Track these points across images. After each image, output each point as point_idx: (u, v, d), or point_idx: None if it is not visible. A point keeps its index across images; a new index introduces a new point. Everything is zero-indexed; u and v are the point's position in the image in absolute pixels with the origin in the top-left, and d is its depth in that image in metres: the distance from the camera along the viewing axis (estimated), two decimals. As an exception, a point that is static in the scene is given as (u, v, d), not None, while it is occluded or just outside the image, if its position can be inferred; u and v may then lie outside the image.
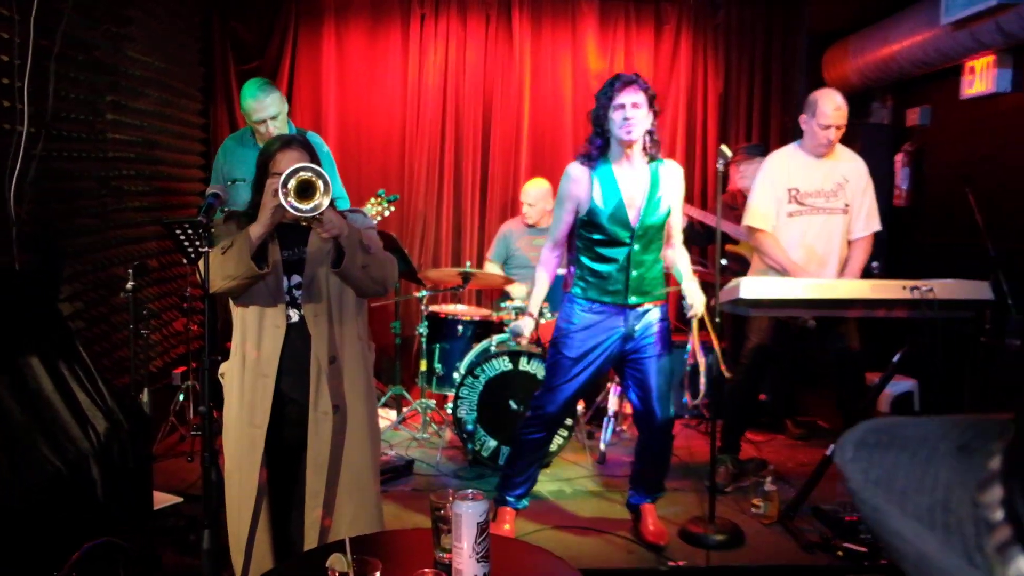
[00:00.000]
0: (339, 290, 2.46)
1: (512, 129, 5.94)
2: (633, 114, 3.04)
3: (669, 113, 6.07)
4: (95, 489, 2.35)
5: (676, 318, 6.00)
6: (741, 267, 4.86)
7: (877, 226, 3.92)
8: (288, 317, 2.43)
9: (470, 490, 1.70)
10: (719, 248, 3.60)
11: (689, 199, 5.86)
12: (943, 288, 3.27)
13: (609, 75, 5.85)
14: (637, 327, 3.24)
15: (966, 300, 3.32)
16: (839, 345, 3.94)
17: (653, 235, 3.20)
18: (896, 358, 3.56)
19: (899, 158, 6.05)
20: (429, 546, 1.84)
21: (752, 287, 3.35)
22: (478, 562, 1.65)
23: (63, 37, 3.47)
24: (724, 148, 3.41)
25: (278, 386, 2.42)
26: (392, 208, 4.17)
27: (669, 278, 3.44)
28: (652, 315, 3.27)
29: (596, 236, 3.15)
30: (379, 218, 4.38)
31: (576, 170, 3.19)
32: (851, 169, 3.90)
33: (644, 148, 3.17)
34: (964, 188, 4.83)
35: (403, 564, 1.61)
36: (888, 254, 5.54)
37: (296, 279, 2.45)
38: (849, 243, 3.91)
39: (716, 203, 3.45)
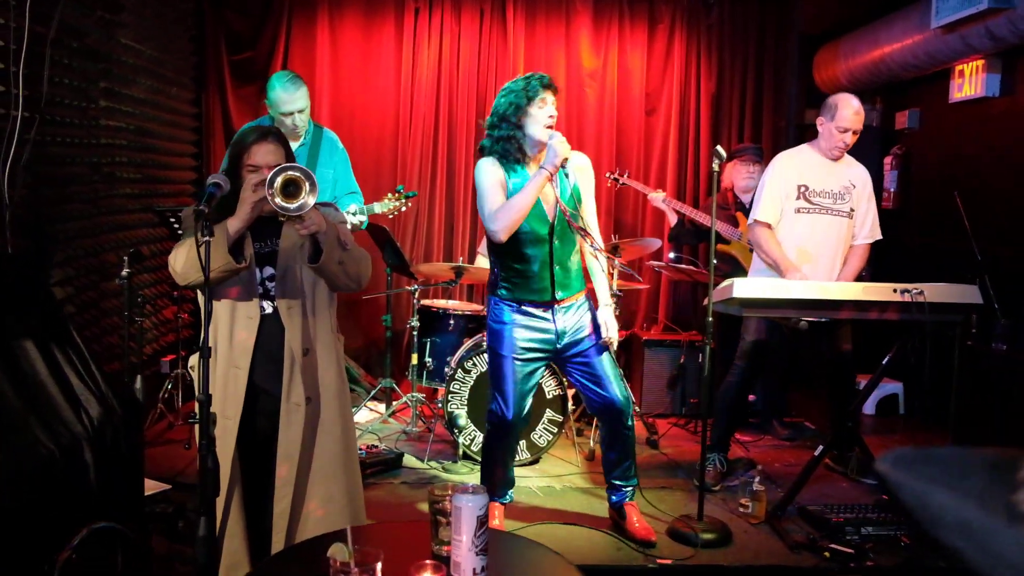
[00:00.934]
0: (312, 282, 2.48)
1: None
2: (554, 116, 3.09)
3: (662, 111, 6.10)
4: (88, 474, 2.33)
5: (666, 317, 6.04)
6: (731, 267, 4.89)
7: (878, 235, 3.98)
8: (261, 309, 2.44)
9: (470, 483, 1.71)
10: (712, 248, 3.62)
11: (680, 197, 5.91)
12: (933, 291, 3.31)
13: (602, 73, 5.95)
14: (569, 324, 3.25)
15: (956, 304, 3.36)
16: (832, 347, 3.98)
17: (570, 230, 3.19)
18: (885, 360, 3.60)
19: (888, 161, 6.10)
20: (426, 538, 1.85)
21: (745, 287, 3.37)
22: (477, 555, 1.66)
23: (58, 23, 3.44)
24: (719, 148, 3.43)
25: (251, 378, 2.43)
26: (408, 204, 4.18)
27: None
28: (579, 309, 3.28)
29: (517, 234, 3.10)
30: (395, 213, 4.40)
31: (492, 164, 3.14)
32: (858, 175, 3.96)
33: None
34: (952, 191, 4.88)
35: (400, 556, 1.61)
36: (875, 256, 5.60)
37: (269, 271, 2.46)
38: (850, 249, 3.96)
39: (712, 203, 3.46)
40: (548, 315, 3.21)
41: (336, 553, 1.49)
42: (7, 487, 1.95)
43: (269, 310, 2.46)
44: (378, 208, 4.34)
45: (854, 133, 3.85)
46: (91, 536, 1.53)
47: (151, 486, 3.52)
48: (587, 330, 3.28)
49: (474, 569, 1.66)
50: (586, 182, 3.25)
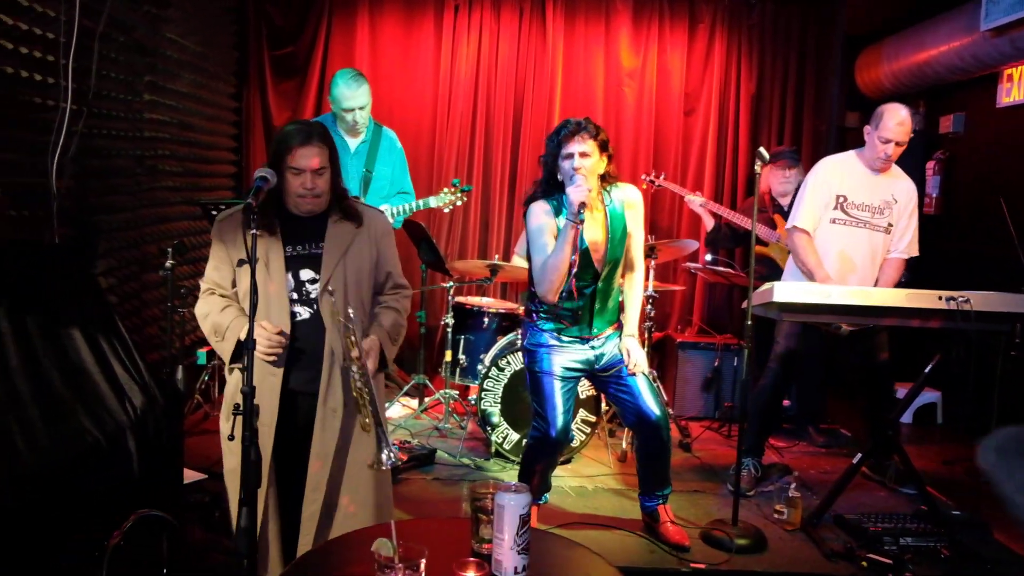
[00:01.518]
0: (356, 285, 2.48)
1: (542, 124, 5.92)
2: (582, 163, 2.98)
3: (701, 112, 6.04)
4: (131, 462, 2.38)
5: (701, 320, 6.00)
6: (768, 270, 4.84)
7: (915, 252, 3.90)
8: (295, 315, 2.43)
9: (513, 482, 1.70)
10: (752, 251, 3.58)
11: (718, 199, 5.86)
12: (980, 300, 3.24)
13: (641, 73, 5.92)
14: (607, 350, 3.25)
15: (1003, 313, 3.28)
16: (870, 355, 3.91)
17: (616, 267, 3.20)
18: (928, 369, 3.53)
19: (930, 165, 6.00)
20: (466, 536, 1.84)
21: (786, 291, 3.33)
22: (518, 554, 1.66)
23: (106, 17, 3.49)
24: (762, 150, 3.39)
25: (286, 382, 2.44)
26: (465, 198, 4.20)
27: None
28: (615, 334, 3.29)
29: None
30: (451, 207, 4.43)
31: (540, 207, 3.11)
32: (902, 189, 3.88)
33: (599, 192, 3.12)
34: (997, 198, 4.79)
35: (440, 553, 1.61)
36: (914, 262, 5.51)
37: (308, 274, 2.45)
38: (884, 260, 3.89)
39: (750, 204, 3.43)
40: (586, 344, 3.22)
41: (380, 548, 1.50)
42: (56, 473, 1.98)
43: (306, 315, 2.44)
44: (433, 202, 4.38)
45: (898, 144, 3.74)
46: (139, 523, 1.54)
47: (188, 475, 3.56)
48: (620, 351, 3.28)
49: (515, 568, 1.65)
50: (634, 216, 3.21)
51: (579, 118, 3.06)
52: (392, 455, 2.18)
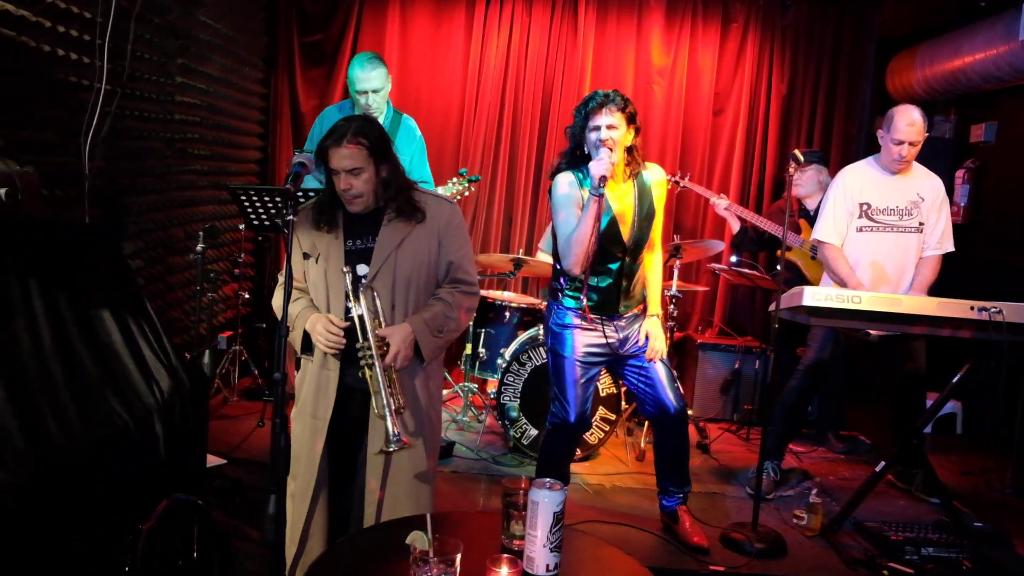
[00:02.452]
0: (407, 281, 2.42)
1: (570, 121, 5.86)
2: (609, 135, 2.97)
3: (730, 112, 5.99)
4: (158, 446, 2.38)
5: (722, 321, 5.96)
6: (793, 274, 4.79)
7: (950, 247, 3.85)
8: (349, 311, 2.41)
9: (548, 479, 1.69)
10: (783, 254, 3.55)
11: (744, 202, 5.81)
12: (1013, 311, 3.19)
13: (672, 71, 5.87)
14: (630, 333, 3.22)
15: (1037, 324, 3.24)
16: (903, 363, 3.87)
17: (642, 246, 3.18)
18: (956, 379, 3.49)
19: (960, 174, 5.93)
20: (495, 530, 1.83)
21: (814, 295, 3.29)
22: (551, 552, 1.64)
23: (143, -2, 3.50)
24: (797, 152, 3.35)
25: (342, 378, 2.43)
26: (472, 188, 4.18)
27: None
28: (639, 318, 3.25)
29: None
30: (458, 198, 4.40)
31: (565, 179, 3.10)
32: (927, 187, 3.83)
33: (625, 165, 3.10)
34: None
35: (469, 547, 1.60)
36: (940, 272, 5.47)
37: (363, 269, 2.43)
38: (919, 260, 3.85)
39: (780, 207, 3.39)
40: (611, 324, 3.19)
41: (416, 541, 1.49)
42: (86, 456, 1.98)
43: (360, 311, 2.41)
44: (441, 192, 4.34)
45: (911, 145, 3.71)
46: (171, 508, 1.54)
47: (209, 460, 3.57)
48: (642, 337, 3.25)
49: (548, 565, 1.64)
50: (660, 197, 3.20)
51: (608, 90, 3.05)
52: (394, 441, 2.18)
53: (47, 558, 1.81)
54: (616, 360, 3.28)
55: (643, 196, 3.13)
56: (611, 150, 2.94)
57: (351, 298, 2.35)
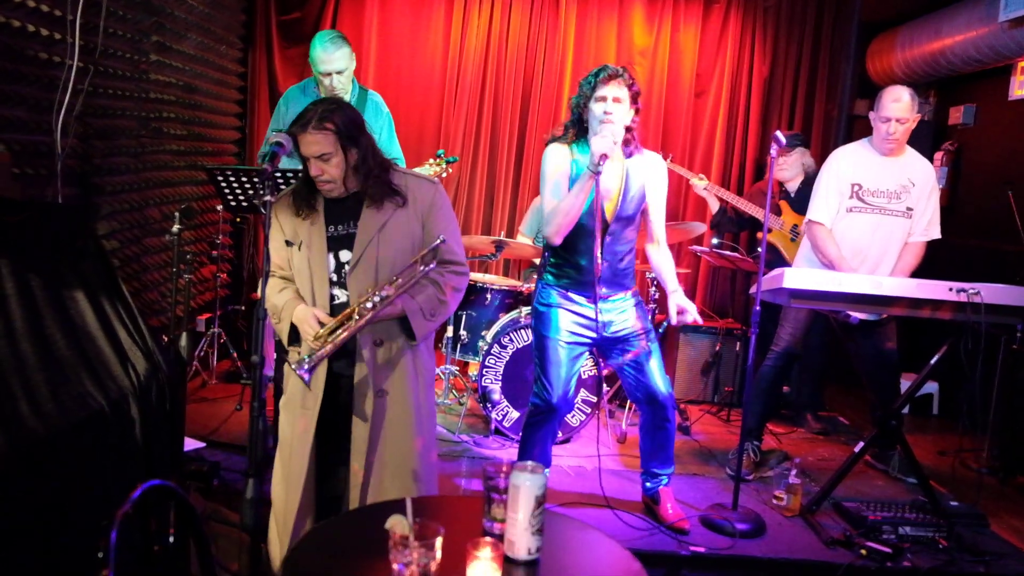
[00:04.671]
0: (390, 266, 2.39)
1: (551, 102, 5.86)
2: (613, 108, 2.97)
3: (712, 94, 5.98)
4: (134, 429, 2.34)
5: (703, 303, 5.97)
6: (772, 256, 4.81)
7: (936, 234, 3.87)
8: (333, 298, 2.39)
9: (529, 462, 1.68)
10: (765, 236, 3.56)
11: (725, 183, 5.82)
12: (991, 292, 3.21)
13: (654, 52, 5.84)
14: (615, 318, 3.20)
15: (1014, 306, 3.26)
16: (876, 345, 3.90)
17: (626, 228, 3.15)
18: (934, 360, 3.52)
19: (938, 156, 5.96)
20: (476, 514, 1.82)
21: (796, 278, 3.30)
22: (532, 535, 1.63)
23: (115, -29, 3.42)
24: (779, 134, 3.34)
25: (330, 367, 2.41)
26: (450, 170, 4.14)
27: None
28: (626, 305, 3.23)
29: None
30: (436, 179, 4.34)
31: (558, 151, 3.12)
32: (918, 172, 3.84)
33: (623, 143, 3.08)
34: (1006, 191, 4.76)
35: (450, 530, 1.58)
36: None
37: (346, 255, 2.40)
38: (904, 245, 3.87)
39: (760, 189, 3.39)
40: (592, 306, 3.17)
41: (395, 526, 1.47)
42: (60, 438, 1.95)
43: (344, 298, 2.39)
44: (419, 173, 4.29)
45: (898, 122, 3.71)
46: (147, 493, 1.51)
47: (187, 444, 3.54)
48: (634, 326, 3.22)
49: (529, 548, 1.63)
50: (653, 179, 3.18)
51: (617, 65, 3.05)
52: (305, 367, 2.18)
53: (19, 543, 1.78)
54: (602, 343, 3.27)
55: (633, 178, 3.11)
56: (612, 124, 2.95)
57: (338, 286, 2.36)
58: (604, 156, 2.86)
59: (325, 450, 2.44)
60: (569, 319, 3.17)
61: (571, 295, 3.17)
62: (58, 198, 3.08)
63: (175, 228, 3.74)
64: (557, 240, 3.05)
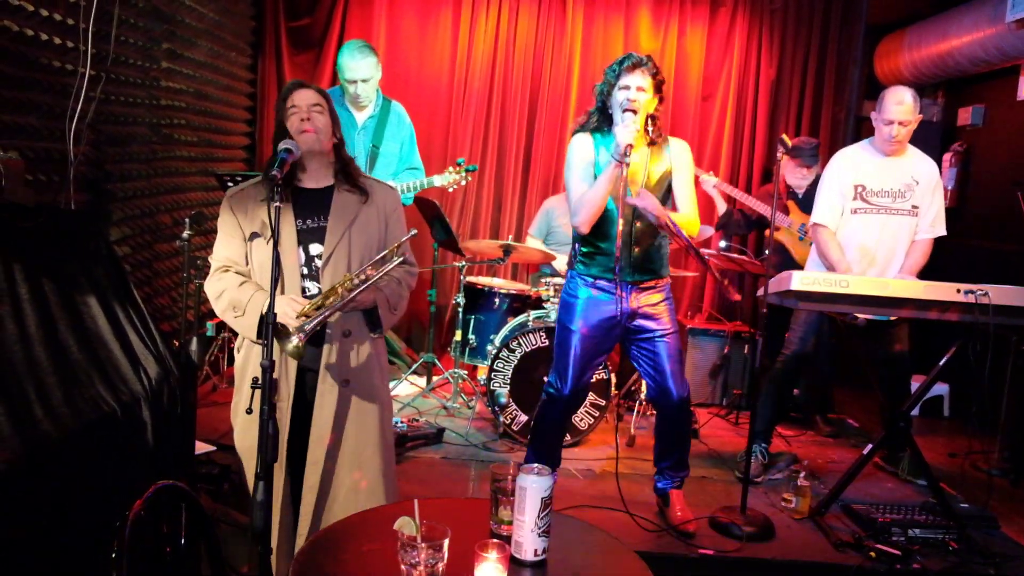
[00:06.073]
0: (360, 260, 2.43)
1: (559, 106, 5.87)
2: (637, 96, 3.02)
3: (719, 96, 5.99)
4: (145, 432, 2.37)
5: (712, 307, 5.98)
6: (782, 257, 4.81)
7: (942, 231, 3.86)
8: (305, 290, 2.41)
9: (536, 464, 1.69)
10: (771, 239, 3.56)
11: (732, 184, 5.81)
12: (999, 294, 3.20)
13: (660, 56, 5.85)
14: (640, 306, 3.20)
15: (1022, 307, 3.25)
16: (888, 347, 3.89)
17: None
18: (943, 361, 3.51)
19: (947, 157, 5.95)
20: (483, 516, 1.83)
21: (802, 280, 3.30)
22: (539, 536, 1.65)
23: (126, -21, 3.46)
24: (784, 137, 3.35)
25: (300, 360, 2.39)
26: (469, 178, 4.17)
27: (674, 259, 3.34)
28: (655, 294, 3.23)
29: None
30: (455, 187, 4.38)
31: (583, 139, 3.19)
32: (922, 170, 3.84)
33: (645, 130, 3.12)
34: (1015, 192, 4.74)
35: (457, 532, 1.60)
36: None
37: (316, 248, 2.42)
38: (911, 244, 3.86)
39: (767, 191, 3.39)
40: (620, 294, 3.17)
41: (403, 527, 1.49)
42: (73, 440, 1.97)
43: (315, 291, 2.42)
44: (438, 181, 4.33)
45: (901, 124, 3.72)
46: (158, 493, 1.54)
47: (197, 447, 3.56)
48: (660, 320, 3.22)
49: (536, 550, 1.65)
50: (677, 161, 3.20)
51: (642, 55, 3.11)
52: (302, 334, 2.17)
53: (34, 542, 1.81)
54: (625, 333, 3.27)
55: (656, 164, 3.15)
56: (635, 113, 2.99)
57: (309, 279, 2.40)
58: (629, 146, 2.90)
59: (293, 446, 2.45)
60: (594, 311, 3.20)
61: (600, 283, 3.20)
62: (71, 204, 3.11)
63: (185, 234, 3.78)
64: (585, 229, 3.11)
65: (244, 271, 2.46)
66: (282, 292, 2.39)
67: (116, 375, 2.37)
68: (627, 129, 2.92)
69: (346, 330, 2.43)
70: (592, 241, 3.20)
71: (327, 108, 2.44)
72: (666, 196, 3.19)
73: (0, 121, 2.82)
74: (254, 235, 2.42)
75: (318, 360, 2.42)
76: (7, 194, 2.38)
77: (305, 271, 2.42)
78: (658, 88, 3.11)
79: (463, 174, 4.12)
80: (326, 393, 2.42)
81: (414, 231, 2.50)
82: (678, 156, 3.21)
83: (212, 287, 2.45)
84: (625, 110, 3.00)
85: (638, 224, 3.13)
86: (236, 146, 5.53)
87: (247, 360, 2.49)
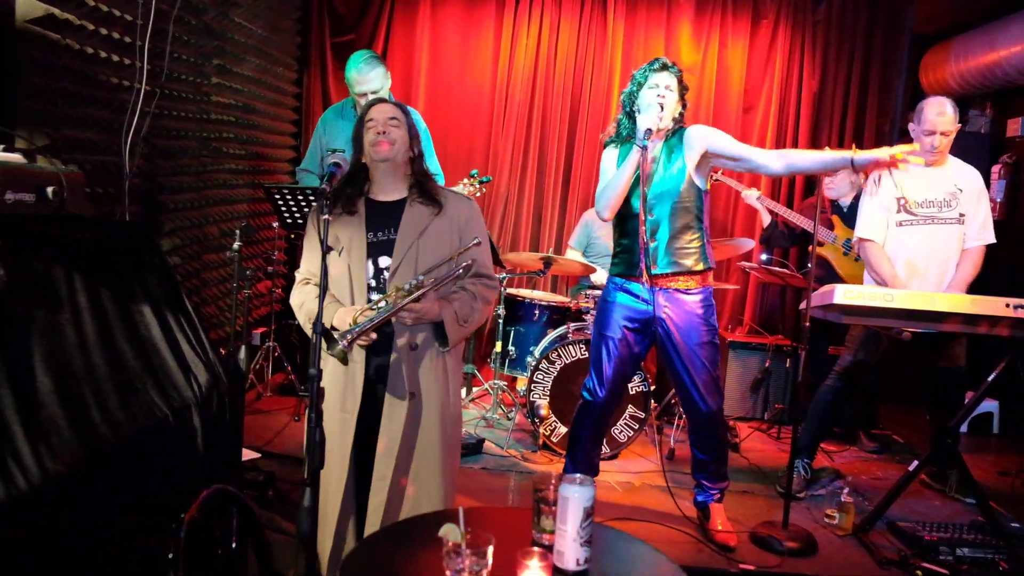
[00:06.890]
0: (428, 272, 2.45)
1: (599, 120, 5.90)
2: (665, 94, 3.11)
3: (760, 109, 5.96)
4: (196, 438, 2.42)
5: (753, 320, 5.93)
6: (824, 271, 4.76)
7: (991, 238, 3.79)
8: (372, 302, 2.43)
9: (578, 475, 1.71)
10: (813, 251, 3.54)
11: (774, 200, 5.77)
12: (1050, 309, 3.14)
13: (701, 68, 5.86)
14: (672, 313, 3.19)
15: (1074, 324, 3.18)
16: (944, 361, 3.83)
17: (669, 201, 3.15)
18: (991, 377, 3.45)
19: (996, 169, 5.85)
20: (525, 525, 1.85)
21: (846, 293, 3.27)
22: (581, 546, 1.66)
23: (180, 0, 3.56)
24: (828, 150, 3.33)
25: (367, 370, 2.46)
26: (484, 189, 4.20)
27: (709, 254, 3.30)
28: (689, 296, 3.21)
29: (620, 208, 3.19)
30: (470, 199, 4.40)
31: (611, 152, 3.30)
32: (965, 178, 3.79)
33: (666, 130, 3.19)
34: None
35: (501, 541, 1.62)
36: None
37: (385, 261, 2.45)
38: (961, 253, 3.80)
39: (810, 204, 3.38)
40: (647, 294, 3.19)
41: (448, 534, 1.51)
42: (128, 445, 2.04)
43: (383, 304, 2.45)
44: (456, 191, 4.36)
45: (942, 135, 3.68)
46: (212, 498, 1.58)
47: (243, 454, 3.64)
48: (695, 330, 3.20)
49: (578, 559, 1.66)
50: (710, 139, 3.19)
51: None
52: (347, 339, 2.22)
53: (92, 544, 1.86)
54: (658, 340, 3.26)
55: (672, 153, 3.19)
56: (662, 108, 3.08)
57: (377, 291, 2.41)
58: (650, 131, 2.98)
59: (362, 454, 2.47)
60: (623, 313, 3.25)
61: (628, 283, 3.25)
62: (126, 216, 3.21)
63: (236, 245, 3.86)
64: (607, 215, 3.19)
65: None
66: (352, 303, 2.44)
67: (168, 382, 2.43)
68: (650, 115, 3.04)
69: (413, 343, 2.45)
70: (618, 240, 3.30)
71: (404, 122, 2.47)
72: (679, 185, 3.16)
73: (62, 136, 2.92)
74: (329, 248, 2.48)
75: (386, 372, 2.45)
76: (68, 206, 2.47)
77: (373, 283, 2.45)
78: (681, 95, 3.19)
79: (476, 186, 4.15)
80: (394, 407, 2.44)
81: (478, 239, 2.48)
82: (699, 139, 3.19)
83: (294, 299, 2.57)
84: (651, 104, 3.08)
85: (654, 215, 3.16)
86: (282, 159, 5.64)
87: (331, 373, 2.53)
